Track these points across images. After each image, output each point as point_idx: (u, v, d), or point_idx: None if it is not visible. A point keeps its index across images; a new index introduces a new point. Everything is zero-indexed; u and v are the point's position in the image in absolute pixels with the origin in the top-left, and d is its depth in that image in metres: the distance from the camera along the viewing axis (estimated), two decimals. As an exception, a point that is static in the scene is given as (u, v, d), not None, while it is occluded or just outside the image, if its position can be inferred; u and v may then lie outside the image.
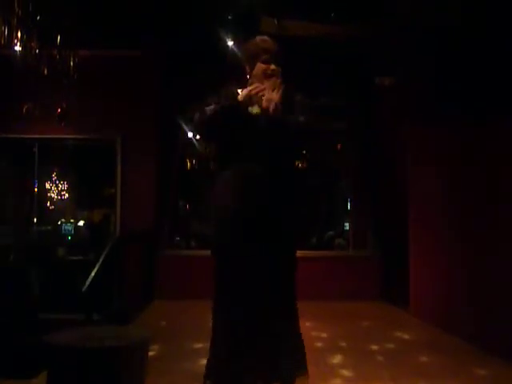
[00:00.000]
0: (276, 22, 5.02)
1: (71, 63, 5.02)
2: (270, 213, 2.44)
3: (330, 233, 8.47)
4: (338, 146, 7.73)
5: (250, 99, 2.46)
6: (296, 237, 2.58)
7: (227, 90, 2.63)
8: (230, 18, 5.11)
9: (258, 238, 2.42)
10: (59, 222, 8.80)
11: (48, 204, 9.13)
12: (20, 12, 4.28)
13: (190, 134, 6.93)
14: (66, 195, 9.37)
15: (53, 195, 9.25)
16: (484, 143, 4.08)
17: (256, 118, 2.50)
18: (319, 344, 4.17)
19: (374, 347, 4.02)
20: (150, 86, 6.66)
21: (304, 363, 2.50)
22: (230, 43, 5.41)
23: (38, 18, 4.44)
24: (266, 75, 2.56)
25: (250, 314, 2.40)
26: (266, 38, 2.65)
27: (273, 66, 2.58)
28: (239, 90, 2.60)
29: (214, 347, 2.46)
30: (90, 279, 4.24)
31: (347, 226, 7.84)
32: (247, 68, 2.64)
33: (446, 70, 4.47)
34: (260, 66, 2.58)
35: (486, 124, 3.95)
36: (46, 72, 4.84)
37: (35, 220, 7.51)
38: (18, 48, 4.48)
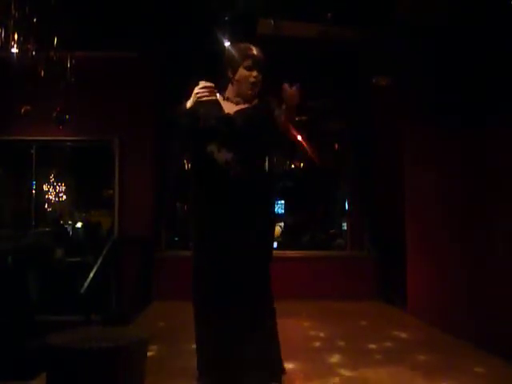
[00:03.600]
0: (273, 22, 5.03)
1: (68, 65, 5.02)
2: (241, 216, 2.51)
3: (331, 232, 8.49)
4: (336, 146, 7.74)
5: (200, 103, 2.51)
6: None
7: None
8: (226, 19, 5.10)
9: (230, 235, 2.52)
10: (57, 224, 8.81)
11: (46, 206, 9.14)
12: (16, 14, 4.28)
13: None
14: (64, 197, 9.39)
15: (51, 197, 9.26)
16: (483, 143, 4.07)
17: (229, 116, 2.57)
18: (317, 343, 4.18)
19: (372, 346, 4.03)
20: (148, 87, 6.66)
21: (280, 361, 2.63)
22: (228, 44, 5.41)
23: (35, 20, 4.45)
24: (248, 83, 2.60)
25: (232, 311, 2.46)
26: (250, 45, 2.66)
27: (255, 73, 2.60)
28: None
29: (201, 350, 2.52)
30: (88, 281, 4.25)
31: (345, 225, 7.85)
32: (229, 73, 2.65)
33: (444, 69, 4.47)
34: (242, 73, 2.60)
35: (485, 124, 3.94)
36: (42, 74, 4.85)
37: (33, 222, 7.50)
38: (14, 50, 4.48)
